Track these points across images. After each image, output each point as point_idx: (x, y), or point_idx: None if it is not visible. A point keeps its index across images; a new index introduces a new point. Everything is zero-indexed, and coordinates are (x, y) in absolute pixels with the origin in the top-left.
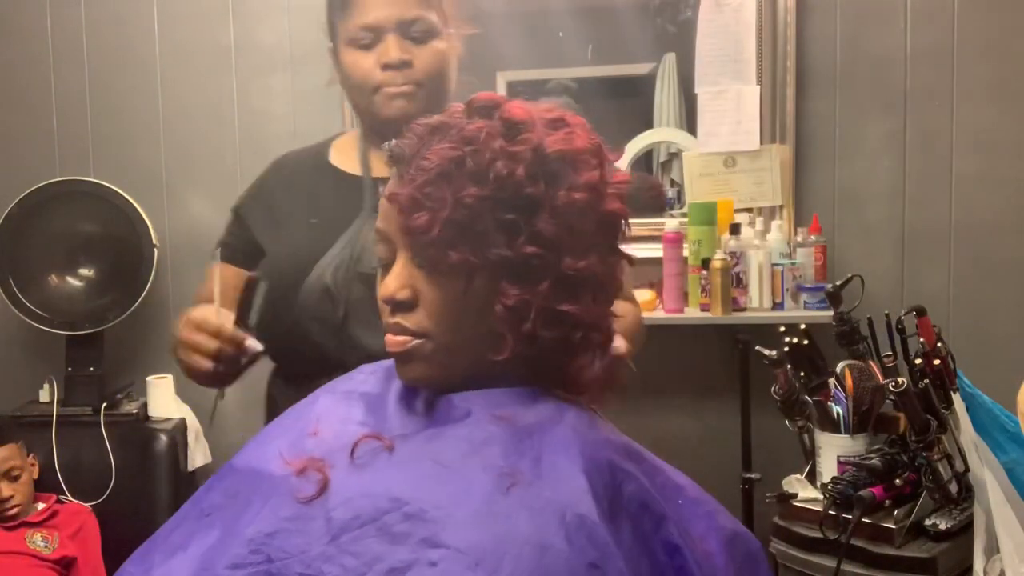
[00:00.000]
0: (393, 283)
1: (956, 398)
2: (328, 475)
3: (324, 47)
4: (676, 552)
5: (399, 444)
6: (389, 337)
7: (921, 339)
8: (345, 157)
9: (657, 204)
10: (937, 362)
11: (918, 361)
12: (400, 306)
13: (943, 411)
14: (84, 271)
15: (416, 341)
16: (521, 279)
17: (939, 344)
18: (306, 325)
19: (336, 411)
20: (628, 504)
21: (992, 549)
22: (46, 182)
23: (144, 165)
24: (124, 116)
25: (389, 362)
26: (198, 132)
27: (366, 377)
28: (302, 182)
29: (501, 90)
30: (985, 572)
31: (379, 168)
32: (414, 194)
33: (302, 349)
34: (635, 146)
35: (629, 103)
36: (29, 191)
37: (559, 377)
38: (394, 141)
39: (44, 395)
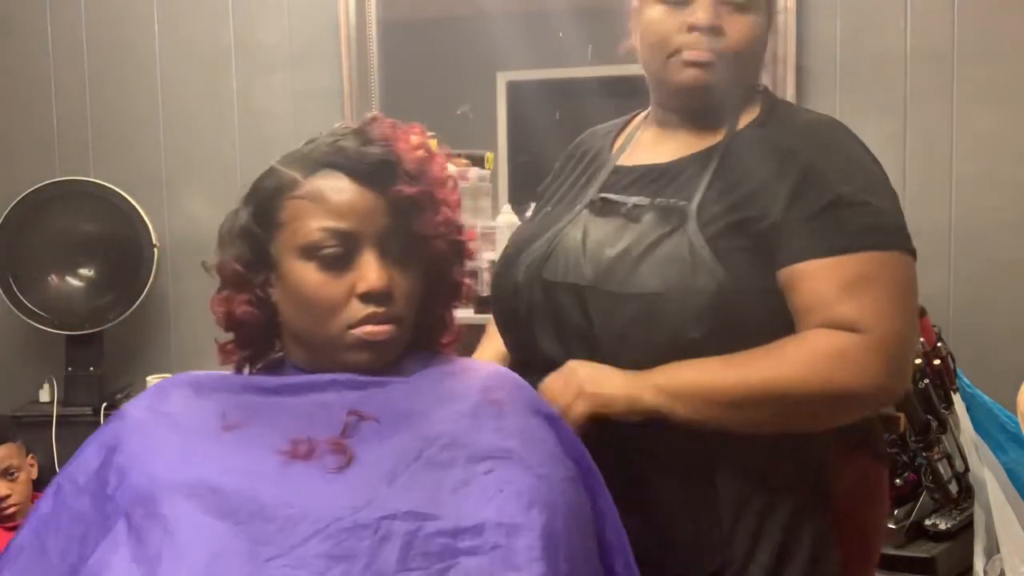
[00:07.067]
0: (380, 275)
1: (956, 398)
2: (350, 447)
3: (325, 47)
4: (554, 420)
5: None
6: (371, 328)
7: (921, 339)
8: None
9: None
10: (937, 362)
11: (918, 361)
12: (383, 297)
13: (943, 411)
14: (84, 271)
15: (396, 330)
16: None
17: (939, 344)
18: (496, 315)
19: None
20: None
21: (992, 549)
22: (46, 182)
23: (144, 165)
24: (124, 116)
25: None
26: (198, 132)
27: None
28: (580, 155)
29: (501, 90)
30: (985, 572)
31: (638, 155)
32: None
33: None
34: None
35: (629, 103)
36: (29, 191)
37: (431, 340)
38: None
39: (44, 395)
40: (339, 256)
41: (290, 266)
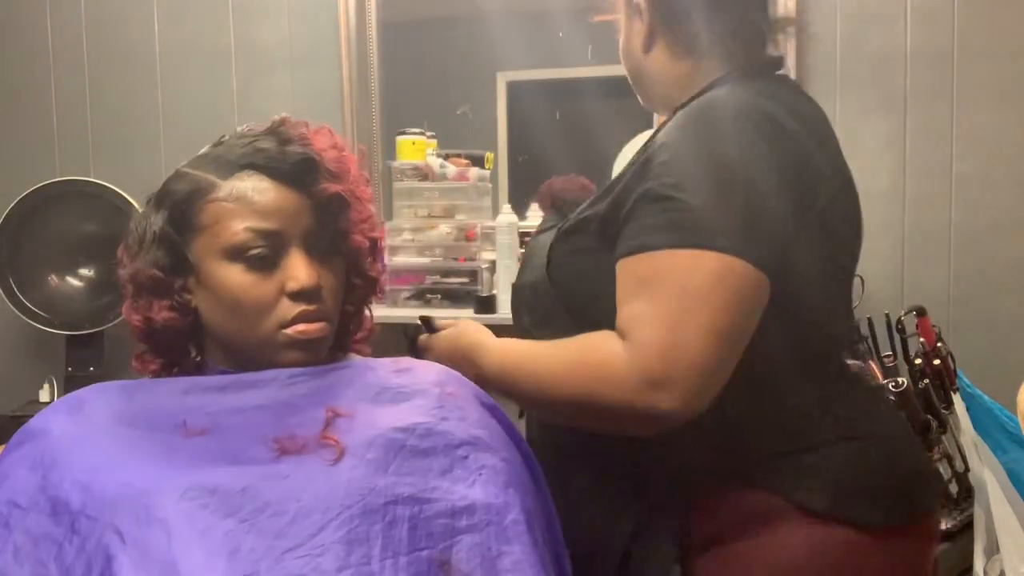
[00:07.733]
0: (309, 273)
1: (956, 398)
2: (340, 440)
3: (325, 47)
4: (495, 410)
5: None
6: (303, 326)
7: (921, 339)
8: None
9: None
10: (937, 362)
11: (918, 361)
12: (313, 295)
13: (943, 411)
14: (84, 271)
15: (327, 327)
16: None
17: (939, 344)
18: None
19: (214, 405)
20: None
21: (992, 549)
22: (46, 182)
23: (144, 165)
24: (124, 116)
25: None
26: (198, 132)
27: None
28: None
29: (501, 90)
30: (985, 572)
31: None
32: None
33: None
34: (635, 146)
35: (629, 103)
36: (29, 191)
37: (346, 337)
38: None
39: (44, 395)
40: (266, 256)
41: (215, 269)
